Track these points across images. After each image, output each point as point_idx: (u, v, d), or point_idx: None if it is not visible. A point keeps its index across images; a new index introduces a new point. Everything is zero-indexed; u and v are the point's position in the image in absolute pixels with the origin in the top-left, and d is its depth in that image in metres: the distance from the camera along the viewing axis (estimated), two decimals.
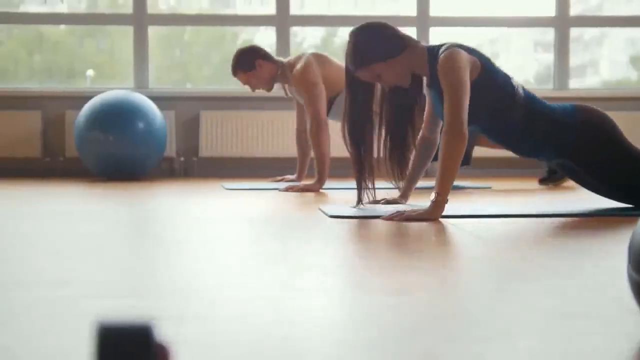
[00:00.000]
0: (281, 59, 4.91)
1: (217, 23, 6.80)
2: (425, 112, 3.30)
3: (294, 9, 6.50)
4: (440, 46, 3.09)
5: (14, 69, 7.14)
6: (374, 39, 3.11)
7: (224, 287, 1.72)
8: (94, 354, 0.74)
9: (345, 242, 2.47)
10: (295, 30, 7.05)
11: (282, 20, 6.34)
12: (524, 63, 8.24)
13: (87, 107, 5.54)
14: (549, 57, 6.85)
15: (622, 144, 3.10)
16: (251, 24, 6.85)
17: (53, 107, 6.12)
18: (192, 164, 6.20)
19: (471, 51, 3.07)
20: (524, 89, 3.14)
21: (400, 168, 3.29)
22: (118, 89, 5.78)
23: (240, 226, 2.87)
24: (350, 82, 3.18)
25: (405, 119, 3.23)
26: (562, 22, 6.48)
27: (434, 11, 6.41)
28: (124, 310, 1.47)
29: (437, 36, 6.50)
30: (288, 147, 6.03)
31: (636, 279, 1.21)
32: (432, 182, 5.06)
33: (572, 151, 3.11)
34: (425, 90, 3.24)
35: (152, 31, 6.44)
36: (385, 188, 3.43)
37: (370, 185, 3.26)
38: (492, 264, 2.04)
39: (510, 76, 3.13)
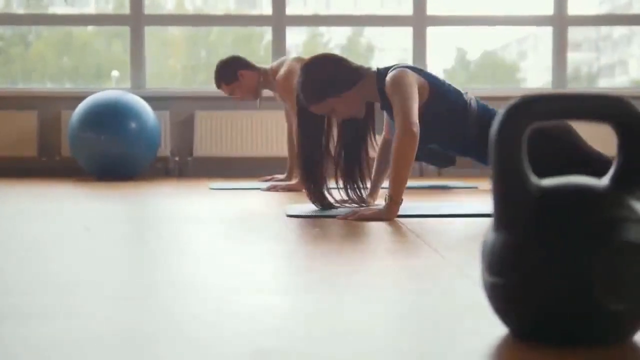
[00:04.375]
0: (264, 66, 4.94)
1: (213, 23, 6.83)
2: (385, 118, 3.30)
3: (321, 9, 6.51)
4: (388, 69, 3.09)
5: (43, 70, 7.26)
6: (328, 73, 3.09)
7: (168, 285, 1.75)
8: None
9: (289, 241, 2.48)
10: (322, 30, 7.07)
11: (278, 21, 6.35)
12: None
13: (80, 107, 5.59)
14: (577, 57, 6.76)
15: (579, 146, 2.98)
16: (247, 24, 6.88)
17: (49, 107, 6.18)
18: (186, 164, 6.24)
19: (419, 72, 3.07)
20: (477, 102, 3.14)
21: (357, 188, 3.26)
22: (112, 90, 5.83)
23: (203, 226, 2.89)
24: (301, 115, 3.15)
25: (360, 146, 3.23)
26: (560, 21, 6.43)
27: (431, 10, 6.38)
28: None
29: (435, 36, 6.48)
30: (283, 147, 6.04)
31: (488, 279, 1.22)
32: (421, 182, 5.09)
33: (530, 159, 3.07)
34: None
35: (179, 31, 6.46)
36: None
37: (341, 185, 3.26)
38: (402, 263, 2.05)
39: (462, 91, 3.13)
